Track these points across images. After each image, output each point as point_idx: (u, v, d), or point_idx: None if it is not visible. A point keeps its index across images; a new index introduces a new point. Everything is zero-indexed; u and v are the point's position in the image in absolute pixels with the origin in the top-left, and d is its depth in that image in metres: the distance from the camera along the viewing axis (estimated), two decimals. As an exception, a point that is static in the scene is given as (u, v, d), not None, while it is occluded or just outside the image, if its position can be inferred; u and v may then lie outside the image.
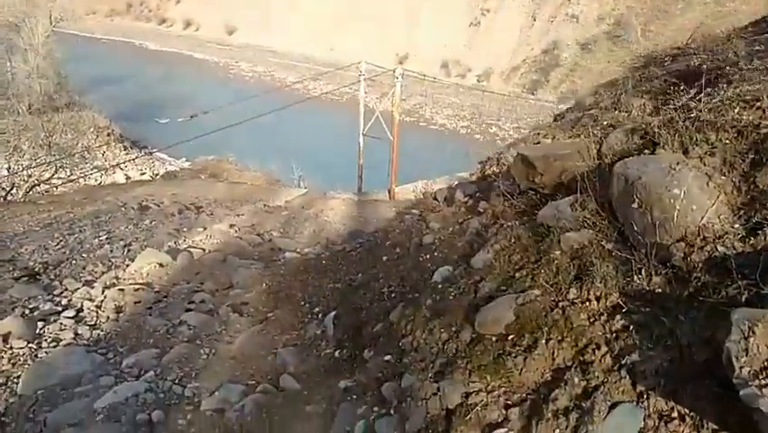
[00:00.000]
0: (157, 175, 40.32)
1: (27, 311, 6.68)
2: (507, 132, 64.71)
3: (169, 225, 13.03)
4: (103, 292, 7.18)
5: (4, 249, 10.29)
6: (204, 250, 10.26)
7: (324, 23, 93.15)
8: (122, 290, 7.02)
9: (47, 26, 52.55)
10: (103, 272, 8.75)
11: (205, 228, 12.17)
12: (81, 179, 32.18)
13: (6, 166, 26.88)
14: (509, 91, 69.60)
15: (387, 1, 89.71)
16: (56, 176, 27.14)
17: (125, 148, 46.04)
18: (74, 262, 9.35)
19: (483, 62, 78.51)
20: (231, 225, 12.52)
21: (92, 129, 43.96)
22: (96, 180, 35.27)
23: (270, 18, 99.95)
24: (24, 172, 24.49)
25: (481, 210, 4.77)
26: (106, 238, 11.18)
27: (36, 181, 25.18)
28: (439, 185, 30.11)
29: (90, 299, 7.06)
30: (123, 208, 15.72)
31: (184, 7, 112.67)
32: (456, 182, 6.86)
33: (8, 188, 23.99)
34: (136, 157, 43.02)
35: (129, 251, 10.23)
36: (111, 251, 10.15)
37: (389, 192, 26.54)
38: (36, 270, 8.83)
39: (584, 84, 70.85)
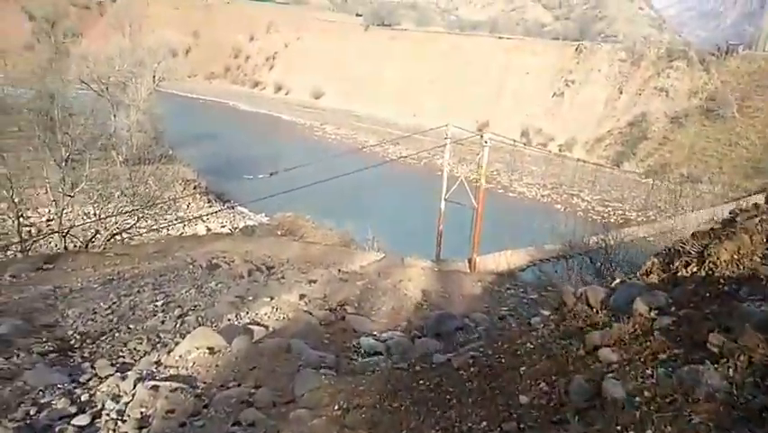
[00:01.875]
0: (236, 229, 40.12)
1: (33, 410, 5.07)
2: (589, 203, 61.41)
3: (235, 290, 11.52)
4: (134, 387, 5.52)
5: (51, 310, 9.02)
6: (267, 328, 8.55)
7: (407, 89, 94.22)
8: (156, 388, 5.32)
9: (150, 85, 55.28)
10: (145, 352, 7.17)
11: (272, 298, 10.53)
12: (164, 230, 32.15)
13: (92, 213, 26.89)
14: (594, 162, 66.50)
15: (472, 70, 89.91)
16: (138, 225, 26.85)
17: (209, 201, 46.46)
18: (117, 334, 7.86)
19: (566, 132, 76.06)
20: (301, 296, 10.83)
21: (179, 181, 44.82)
22: (178, 231, 35.31)
23: (357, 83, 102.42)
24: (108, 220, 24.16)
25: (711, 344, 2.75)
26: (163, 304, 9.74)
27: (117, 229, 24.87)
28: (521, 257, 27.73)
29: (116, 397, 5.40)
30: (191, 266, 14.48)
31: (276, 72, 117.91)
32: (618, 280, 4.80)
33: (91, 236, 23.77)
34: (218, 210, 43.19)
35: (183, 323, 8.68)
36: (163, 321, 8.64)
37: (470, 262, 24.42)
38: (71, 342, 7.38)
39: (674, 158, 66.79)
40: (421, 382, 4.50)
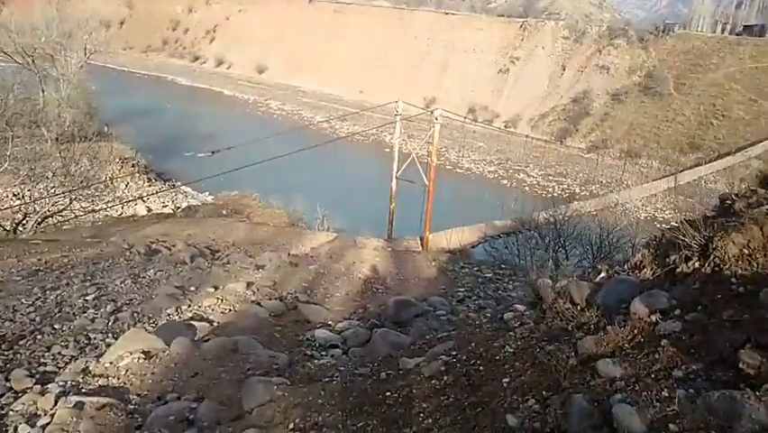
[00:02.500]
0: (178, 209, 38.53)
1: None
2: (535, 178, 62.43)
3: (176, 279, 10.66)
4: (55, 404, 4.74)
5: (-37, 309, 7.97)
6: (211, 323, 7.82)
7: (353, 66, 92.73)
8: (81, 405, 4.57)
9: (81, 58, 51.94)
10: (71, 358, 6.33)
11: (216, 288, 9.75)
12: (102, 212, 30.38)
13: (21, 195, 25.03)
14: (538, 137, 67.49)
15: (417, 47, 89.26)
16: (71, 207, 25.14)
17: (149, 180, 44.40)
18: (39, 337, 6.95)
19: (511, 109, 76.83)
20: (248, 284, 10.09)
21: (117, 160, 42.55)
22: (117, 213, 33.50)
23: (301, 59, 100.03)
24: (38, 202, 22.44)
25: (745, 364, 2.30)
26: (94, 298, 8.81)
27: (49, 212, 23.18)
28: (473, 233, 27.63)
29: (32, 419, 4.61)
30: (128, 252, 13.44)
31: (217, 46, 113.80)
32: (606, 271, 4.33)
33: (19, 220, 22.03)
34: (159, 191, 41.32)
35: (116, 320, 7.82)
36: (93, 319, 7.75)
37: (422, 240, 24.10)
38: (-16, 349, 6.45)
39: (614, 134, 68.56)
40: (388, 393, 3.95)
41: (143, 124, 64.30)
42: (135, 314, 8.08)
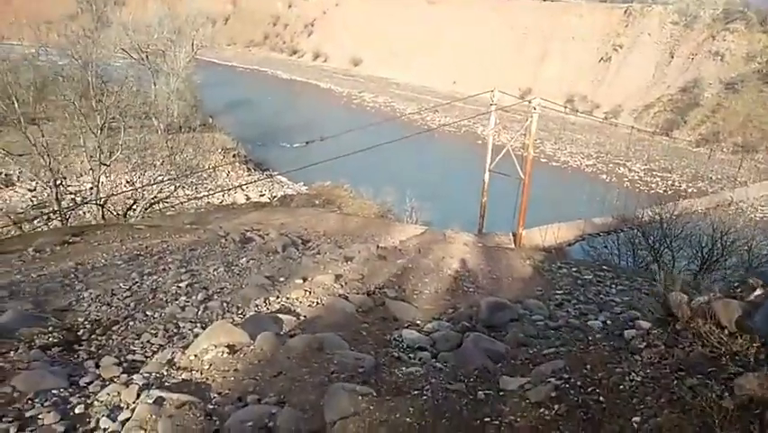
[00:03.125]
0: (275, 198, 39.63)
1: (14, 428, 4.20)
2: (636, 173, 58.74)
3: (266, 268, 10.61)
4: (137, 397, 4.60)
5: (67, 292, 8.24)
6: (298, 317, 7.58)
7: (447, 57, 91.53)
8: (161, 401, 4.39)
9: (189, 53, 54.65)
10: (160, 347, 6.28)
11: (305, 280, 9.55)
12: (204, 199, 31.76)
13: (129, 181, 26.54)
14: (642, 129, 63.22)
15: (513, 36, 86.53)
16: (176, 194, 26.36)
17: (248, 170, 46.03)
18: (131, 323, 7.00)
19: (612, 99, 72.70)
20: (336, 277, 9.82)
21: (219, 150, 44.42)
22: (218, 200, 34.94)
23: (395, 51, 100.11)
24: (146, 189, 23.68)
25: None
26: (187, 285, 8.87)
27: (155, 199, 24.41)
28: (570, 231, 26.17)
29: (114, 411, 4.49)
30: (223, 240, 13.66)
31: (315, 40, 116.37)
32: (763, 288, 3.52)
33: (129, 205, 23.34)
34: (257, 180, 42.68)
35: (206, 309, 7.78)
36: (183, 307, 7.75)
37: (515, 236, 23.09)
38: (80, 333, 6.54)
39: (727, 126, 62.95)
40: (487, 419, 3.39)
41: (244, 115, 66.97)
42: (225, 303, 8.01)
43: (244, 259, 11.45)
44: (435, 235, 18.16)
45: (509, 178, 24.20)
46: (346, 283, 9.60)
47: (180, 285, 8.84)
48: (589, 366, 3.58)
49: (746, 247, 21.43)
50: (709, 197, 34.51)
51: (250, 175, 44.27)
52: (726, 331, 3.13)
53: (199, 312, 7.60)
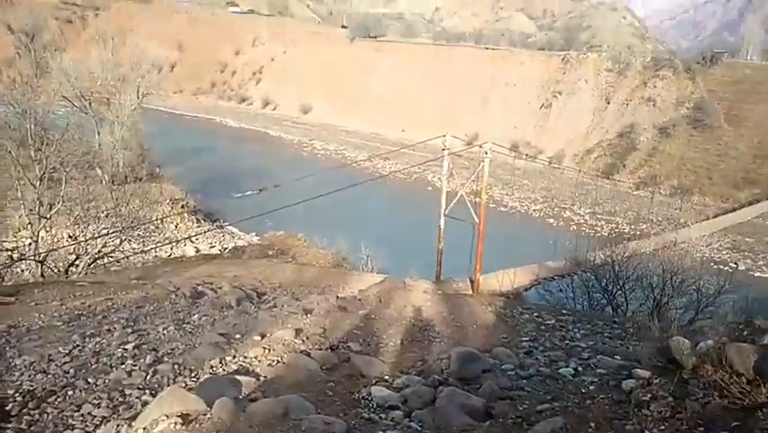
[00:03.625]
0: (225, 249, 38.50)
1: None
2: (582, 217, 60.48)
3: (221, 325, 9.98)
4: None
5: (-2, 359, 7.42)
6: (258, 377, 7.02)
7: (395, 104, 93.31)
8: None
9: (134, 100, 53.48)
10: (103, 419, 5.62)
11: (263, 336, 9.00)
12: (152, 252, 30.46)
13: (72, 235, 25.18)
14: (586, 172, 65.58)
15: (457, 83, 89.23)
16: (121, 248, 25.13)
17: (198, 220, 44.76)
18: (71, 393, 6.28)
19: (555, 145, 75.48)
20: (297, 331, 9.30)
21: (167, 200, 43.08)
22: (166, 253, 33.61)
23: (344, 99, 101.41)
24: (89, 243, 22.44)
25: None
26: (134, 347, 8.16)
27: (100, 253, 23.16)
28: (525, 275, 26.31)
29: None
30: (173, 295, 12.91)
31: (263, 87, 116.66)
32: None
33: (71, 261, 22.03)
34: (207, 231, 41.50)
35: (154, 373, 7.11)
36: (130, 373, 7.06)
37: (472, 283, 22.99)
38: (8, 407, 5.80)
39: (663, 169, 66.08)
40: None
41: (193, 164, 65.71)
42: (176, 366, 7.36)
43: (196, 315, 10.77)
44: (395, 284, 17.83)
45: (462, 223, 24.27)
46: (307, 338, 9.09)
47: (126, 347, 8.13)
48: (593, 424, 3.28)
49: (695, 287, 22.00)
50: (656, 238, 35.68)
51: (199, 226, 43.01)
52: (743, 378, 2.90)
53: (148, 377, 6.93)
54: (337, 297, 14.03)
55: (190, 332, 9.38)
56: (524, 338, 11.28)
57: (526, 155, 60.74)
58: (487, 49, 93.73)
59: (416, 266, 26.86)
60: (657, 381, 3.46)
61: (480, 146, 22.34)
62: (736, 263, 45.35)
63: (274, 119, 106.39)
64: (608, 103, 74.98)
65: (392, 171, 65.27)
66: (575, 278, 24.72)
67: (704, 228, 44.57)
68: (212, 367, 7.38)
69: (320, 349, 8.63)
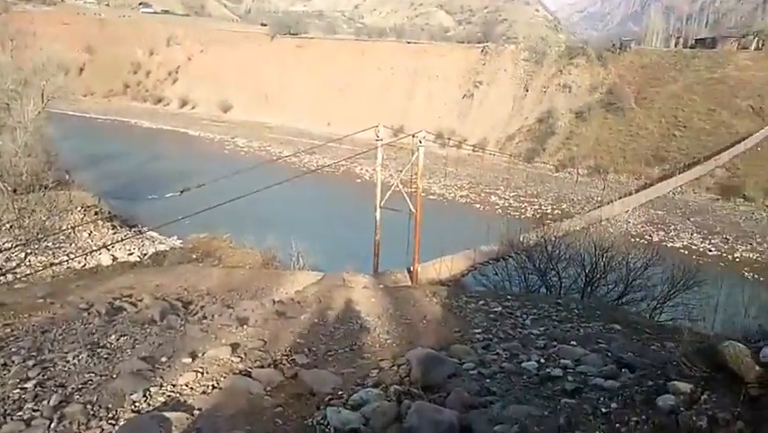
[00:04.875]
0: (146, 255, 36.10)
1: None
2: (506, 200, 61.78)
3: (143, 346, 8.66)
4: None
5: None
6: (191, 411, 5.89)
7: (319, 99, 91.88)
8: None
9: (39, 105, 49.36)
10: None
11: (194, 356, 7.81)
12: (64, 264, 27.91)
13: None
14: (510, 155, 67.13)
15: (381, 76, 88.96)
16: (26, 262, 22.71)
17: (114, 227, 41.79)
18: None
19: (478, 132, 76.65)
20: (233, 348, 8.18)
21: (78, 208, 39.93)
22: (80, 264, 30.99)
23: (266, 96, 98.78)
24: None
25: None
26: (36, 385, 6.77)
27: (1, 269, 20.74)
28: (461, 261, 26.03)
29: None
30: (85, 314, 11.36)
31: (180, 87, 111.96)
32: None
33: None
34: (124, 238, 38.78)
35: (61, 418, 5.80)
36: (29, 422, 5.72)
37: (410, 272, 22.37)
38: None
39: (581, 151, 68.57)
40: None
41: (107, 169, 61.63)
42: (89, 406, 6.07)
43: (114, 336, 9.37)
44: (333, 281, 16.86)
45: (394, 214, 23.66)
46: (245, 354, 7.98)
47: (26, 385, 6.73)
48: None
49: (624, 262, 22.44)
50: (583, 217, 36.56)
51: (116, 233, 40.11)
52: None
53: (52, 425, 5.64)
54: (273, 301, 12.92)
55: (106, 358, 8.03)
56: (476, 330, 10.65)
57: (460, 142, 61.31)
58: (408, 43, 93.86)
59: (351, 260, 26.00)
60: (705, 397, 2.74)
61: (414, 135, 21.70)
62: (650, 236, 47.56)
63: (193, 119, 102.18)
64: (527, 91, 76.98)
65: (320, 166, 64.03)
66: (510, 261, 24.73)
67: (625, 204, 46.43)
68: (134, 403, 6.16)
69: (261, 366, 7.56)
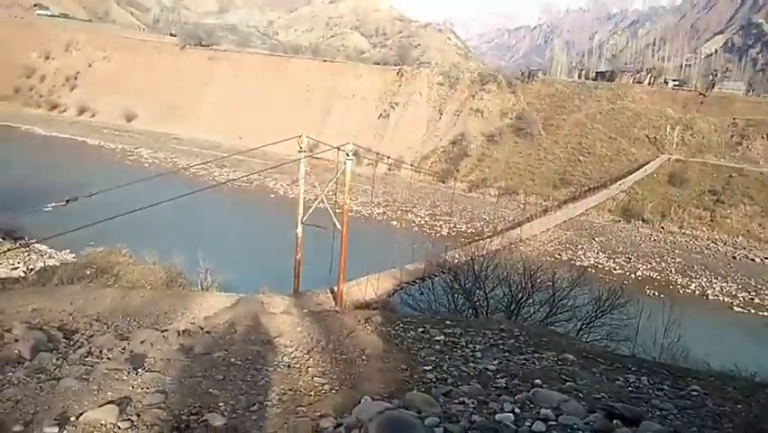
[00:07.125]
0: (31, 271, 31.74)
1: None
2: (422, 218, 61.65)
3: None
4: None
5: None
6: None
7: (231, 113, 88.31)
8: None
9: None
10: None
11: (63, 423, 5.53)
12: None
13: None
14: (426, 172, 67.28)
15: (296, 93, 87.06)
16: None
17: (-5, 240, 36.83)
18: None
19: (394, 153, 76.63)
20: (121, 406, 5.95)
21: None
22: (-49, 281, 26.38)
23: (175, 106, 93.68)
24: None
25: None
26: None
27: None
28: (387, 281, 24.44)
29: None
30: None
31: (79, 94, 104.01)
32: None
33: None
34: (7, 251, 34.04)
35: None
36: None
37: (334, 293, 20.43)
38: None
39: (492, 173, 70.03)
40: None
41: (-12, 178, 55.18)
42: None
43: (-44, 388, 6.79)
44: (251, 305, 14.59)
45: (312, 230, 21.90)
46: (138, 416, 5.78)
47: None
48: None
49: (550, 283, 21.84)
50: (504, 235, 36.36)
51: (-2, 247, 35.21)
52: None
53: None
54: (178, 333, 10.58)
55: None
56: (426, 367, 8.98)
57: (388, 158, 60.62)
58: (325, 61, 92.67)
59: (264, 279, 23.78)
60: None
61: (340, 148, 20.01)
62: (560, 255, 48.67)
63: (93, 127, 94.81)
64: (441, 114, 78.14)
65: (230, 179, 60.75)
66: (436, 280, 23.64)
67: (542, 224, 47.31)
68: None
69: (161, 434, 5.43)
